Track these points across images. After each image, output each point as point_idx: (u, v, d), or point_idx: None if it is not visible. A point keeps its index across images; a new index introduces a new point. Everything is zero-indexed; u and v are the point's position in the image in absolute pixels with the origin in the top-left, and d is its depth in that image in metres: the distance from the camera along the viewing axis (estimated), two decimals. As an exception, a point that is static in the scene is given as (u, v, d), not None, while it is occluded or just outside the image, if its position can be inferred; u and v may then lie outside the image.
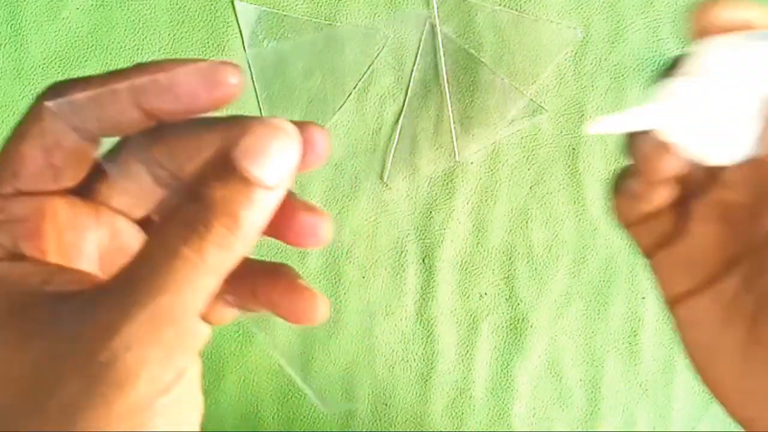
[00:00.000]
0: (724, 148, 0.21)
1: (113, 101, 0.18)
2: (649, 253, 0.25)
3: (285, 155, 0.17)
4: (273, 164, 0.17)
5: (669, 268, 0.24)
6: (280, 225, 0.19)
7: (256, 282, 0.20)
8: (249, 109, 0.41)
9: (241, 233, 0.17)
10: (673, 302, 0.24)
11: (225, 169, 0.17)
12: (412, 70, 0.42)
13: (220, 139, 0.18)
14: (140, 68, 0.18)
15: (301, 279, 0.20)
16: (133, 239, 0.20)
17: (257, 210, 0.17)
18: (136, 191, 0.20)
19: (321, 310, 0.20)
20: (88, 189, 0.20)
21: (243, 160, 0.16)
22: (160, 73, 0.18)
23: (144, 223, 0.21)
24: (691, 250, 0.23)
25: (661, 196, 0.23)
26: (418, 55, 0.42)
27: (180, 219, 0.16)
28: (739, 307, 0.22)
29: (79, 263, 0.19)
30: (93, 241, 0.19)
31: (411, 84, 0.42)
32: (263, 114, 0.41)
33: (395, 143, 0.42)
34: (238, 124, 0.18)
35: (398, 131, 0.42)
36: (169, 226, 0.16)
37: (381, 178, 0.42)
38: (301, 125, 0.18)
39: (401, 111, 0.42)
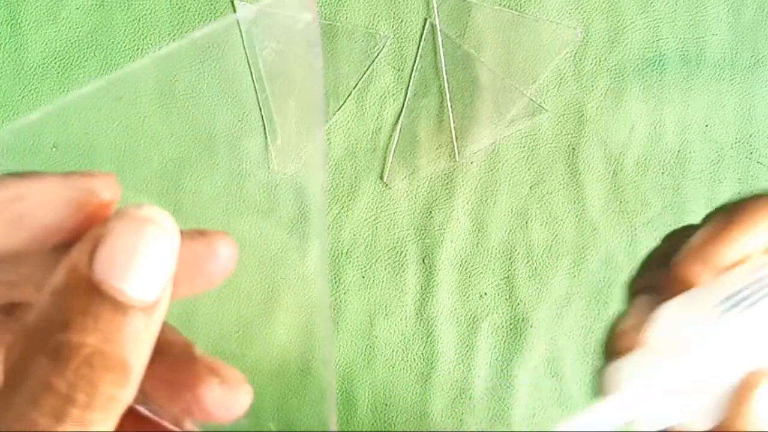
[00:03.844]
0: (691, 415, 0.20)
1: None
2: None
3: (163, 257, 0.13)
4: (150, 274, 0.12)
5: None
6: (179, 392, 0.14)
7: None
8: (249, 108, 0.41)
9: (131, 383, 0.12)
10: None
11: (88, 296, 0.12)
12: (412, 70, 0.42)
13: (71, 259, 0.13)
14: None
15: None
16: None
17: (143, 343, 0.12)
18: None
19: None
20: None
21: (110, 279, 0.12)
22: (5, 202, 0.13)
23: None
24: None
25: None
26: (418, 55, 0.42)
27: (45, 388, 0.12)
28: None
29: None
30: None
31: (411, 84, 0.42)
32: (263, 114, 0.41)
33: (395, 143, 0.42)
34: (87, 219, 0.13)
35: (398, 131, 0.42)
36: (30, 401, 0.12)
37: (381, 177, 0.42)
38: (203, 234, 0.14)
39: (401, 111, 0.42)
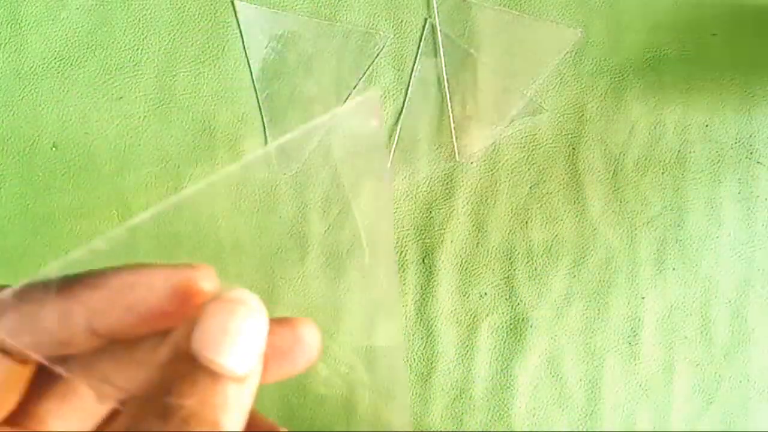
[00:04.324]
0: None
1: (59, 323, 0.15)
2: None
3: (251, 333, 0.14)
4: (239, 348, 0.14)
5: None
6: None
7: None
8: (249, 108, 0.41)
9: None
10: None
11: (187, 366, 0.14)
12: (412, 70, 0.42)
13: (174, 336, 0.15)
14: (95, 282, 0.15)
15: None
16: None
17: (235, 409, 0.14)
18: (78, 412, 0.17)
19: None
20: (21, 414, 0.16)
21: (204, 351, 0.14)
22: (121, 291, 0.15)
23: None
24: None
25: None
26: (418, 55, 0.42)
27: None
28: None
29: None
30: None
31: (411, 84, 0.42)
32: (263, 114, 0.41)
33: (395, 143, 0.42)
34: (189, 303, 0.15)
35: (398, 131, 0.42)
36: None
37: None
38: (288, 321, 0.16)
39: (401, 111, 0.42)
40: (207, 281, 0.16)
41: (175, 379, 0.14)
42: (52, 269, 0.15)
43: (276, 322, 0.16)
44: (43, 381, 0.16)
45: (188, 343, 0.14)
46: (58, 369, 0.16)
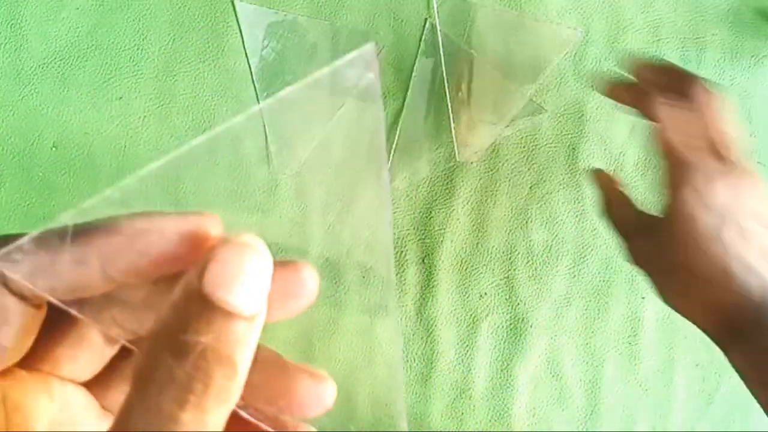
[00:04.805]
0: None
1: (74, 268, 0.16)
2: None
3: (260, 275, 0.15)
4: (250, 289, 0.15)
5: None
6: (277, 394, 0.17)
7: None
8: (249, 108, 0.41)
9: (238, 378, 0.15)
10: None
11: (202, 306, 0.14)
12: (412, 70, 0.42)
13: (186, 278, 0.15)
14: (109, 229, 0.16)
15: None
16: (83, 407, 0.18)
17: (247, 346, 0.15)
18: (88, 355, 0.18)
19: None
20: (34, 358, 0.17)
21: (218, 291, 0.14)
22: (134, 237, 0.16)
23: (90, 385, 0.18)
24: None
25: None
26: (418, 55, 0.42)
27: (170, 379, 0.14)
28: None
29: None
30: (44, 419, 0.17)
31: (411, 84, 0.42)
32: (263, 114, 0.41)
33: (395, 143, 0.42)
34: (198, 248, 0.16)
35: (398, 131, 0.42)
36: (158, 390, 0.14)
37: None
38: (291, 264, 0.17)
39: (401, 111, 0.42)
40: (214, 227, 0.16)
41: (190, 318, 0.14)
42: (67, 217, 0.16)
43: (280, 264, 0.17)
44: (54, 326, 0.17)
45: (201, 284, 0.15)
46: (73, 311, 0.16)
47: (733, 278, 0.30)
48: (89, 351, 0.18)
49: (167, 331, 0.15)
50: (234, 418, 0.16)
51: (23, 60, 0.41)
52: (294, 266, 0.17)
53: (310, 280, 0.17)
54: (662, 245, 0.32)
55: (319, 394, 0.18)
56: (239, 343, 0.15)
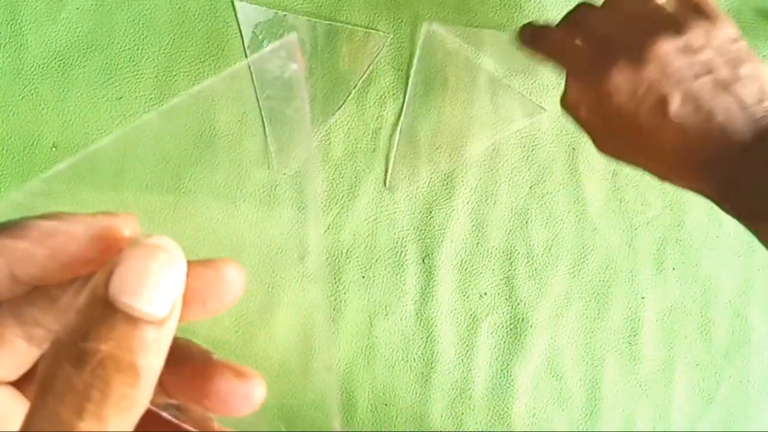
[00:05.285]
0: None
1: None
2: None
3: (170, 278, 0.15)
4: (158, 292, 0.14)
5: None
6: (200, 391, 0.17)
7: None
8: (249, 108, 0.41)
9: (142, 384, 0.14)
10: None
11: (105, 311, 0.14)
12: (412, 70, 0.42)
13: (92, 282, 0.15)
14: (14, 232, 0.15)
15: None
16: (12, 407, 0.18)
17: (154, 352, 0.14)
18: (10, 356, 0.17)
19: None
20: None
21: (122, 296, 0.14)
22: (41, 239, 0.15)
23: (20, 384, 0.18)
24: None
25: None
26: (418, 55, 0.42)
27: (68, 388, 0.14)
28: None
29: None
30: None
31: (411, 84, 0.42)
32: (263, 114, 0.41)
33: (395, 146, 0.42)
34: (110, 250, 0.15)
35: (398, 132, 0.42)
36: (56, 399, 0.14)
37: (384, 183, 0.42)
38: (211, 262, 0.16)
39: (401, 111, 0.42)
40: (128, 227, 0.16)
41: (92, 324, 0.14)
42: None
43: (200, 263, 0.16)
44: None
45: (106, 289, 0.14)
46: None
47: (708, 118, 0.29)
48: (11, 352, 0.17)
49: (69, 338, 0.14)
50: (157, 418, 0.16)
51: (23, 60, 0.41)
52: (215, 264, 0.17)
53: (232, 278, 0.17)
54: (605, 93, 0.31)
55: (245, 393, 0.17)
56: (143, 349, 0.14)
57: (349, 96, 0.42)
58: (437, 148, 0.42)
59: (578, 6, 0.35)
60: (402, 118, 0.42)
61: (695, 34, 0.31)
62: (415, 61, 0.42)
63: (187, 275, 0.16)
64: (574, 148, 0.43)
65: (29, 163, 0.41)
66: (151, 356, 0.14)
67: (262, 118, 0.41)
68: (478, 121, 0.42)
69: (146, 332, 0.14)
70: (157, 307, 0.14)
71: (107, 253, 0.15)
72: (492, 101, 0.42)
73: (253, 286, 0.41)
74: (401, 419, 0.42)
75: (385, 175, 0.42)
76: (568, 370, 0.43)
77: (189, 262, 0.16)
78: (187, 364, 0.17)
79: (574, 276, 0.43)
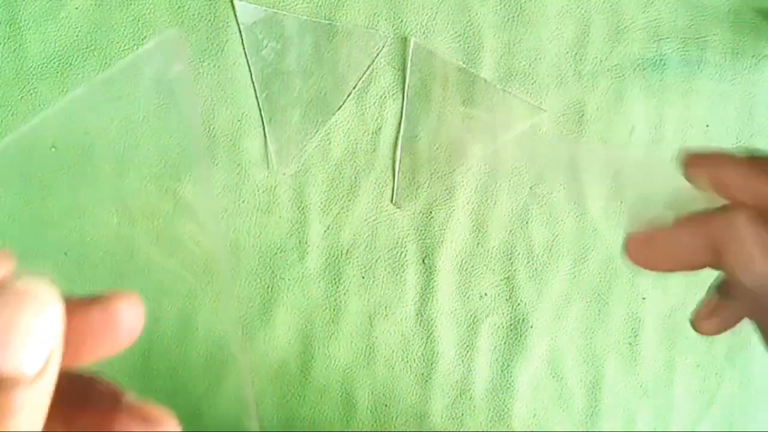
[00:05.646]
0: None
1: None
2: None
3: (41, 329, 0.13)
4: (26, 347, 0.12)
5: None
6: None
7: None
8: (249, 108, 0.41)
9: None
10: None
11: None
12: (412, 71, 0.42)
13: None
14: None
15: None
16: None
17: (26, 410, 0.13)
18: None
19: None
20: None
21: None
22: None
23: None
24: None
25: None
26: (418, 55, 0.42)
27: None
28: None
29: None
30: None
31: (411, 84, 0.42)
32: (263, 114, 0.41)
33: (396, 143, 0.42)
34: None
35: (398, 131, 0.42)
36: None
37: (392, 200, 0.42)
38: (100, 301, 0.15)
39: (401, 111, 0.42)
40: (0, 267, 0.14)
41: None
42: None
43: (86, 301, 0.15)
44: None
45: None
46: None
47: None
48: None
49: None
50: None
51: (23, 60, 0.41)
52: (105, 302, 0.15)
53: (126, 315, 0.15)
54: None
55: None
56: (11, 413, 0.12)
57: (348, 96, 0.42)
58: (437, 148, 0.42)
59: None
60: (402, 118, 0.42)
61: None
62: (415, 61, 0.42)
63: (69, 319, 0.14)
64: (574, 149, 0.43)
65: (29, 163, 0.41)
66: (20, 418, 0.13)
67: (262, 118, 0.41)
68: (478, 122, 0.42)
69: (15, 393, 0.12)
70: (26, 363, 0.12)
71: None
72: (492, 102, 0.42)
73: (252, 286, 0.41)
74: (401, 419, 0.42)
75: (392, 193, 0.42)
76: (569, 371, 0.43)
77: (73, 302, 0.14)
78: (90, 408, 0.15)
79: (575, 276, 0.43)
